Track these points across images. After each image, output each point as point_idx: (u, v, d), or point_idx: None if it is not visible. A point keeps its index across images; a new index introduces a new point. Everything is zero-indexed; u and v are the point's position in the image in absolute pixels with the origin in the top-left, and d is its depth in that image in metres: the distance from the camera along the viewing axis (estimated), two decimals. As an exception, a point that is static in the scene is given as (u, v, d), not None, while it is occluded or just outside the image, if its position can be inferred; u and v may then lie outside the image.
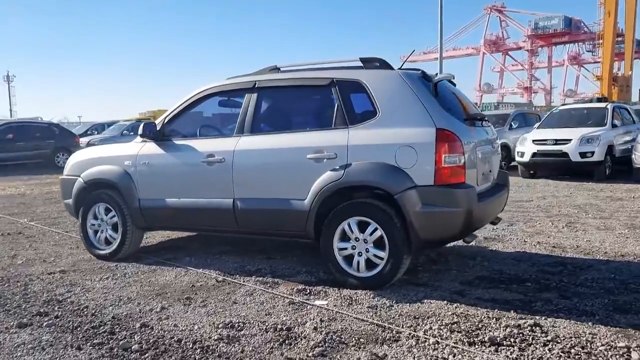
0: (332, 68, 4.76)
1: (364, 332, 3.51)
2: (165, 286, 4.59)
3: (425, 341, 3.33)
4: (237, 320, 3.72)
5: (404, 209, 4.13)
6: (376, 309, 3.92)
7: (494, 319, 3.68)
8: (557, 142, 11.91)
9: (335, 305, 4.00)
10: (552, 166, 12.28)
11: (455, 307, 3.91)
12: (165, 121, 5.29)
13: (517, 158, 12.59)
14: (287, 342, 3.37)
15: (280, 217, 4.63)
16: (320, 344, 3.31)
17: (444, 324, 3.57)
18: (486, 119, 5.05)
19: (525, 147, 12.32)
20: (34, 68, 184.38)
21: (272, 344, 3.34)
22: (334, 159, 4.37)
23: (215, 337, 3.43)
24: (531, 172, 12.67)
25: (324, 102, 4.69)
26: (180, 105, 5.29)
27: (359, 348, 3.27)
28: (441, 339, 3.36)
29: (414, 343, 3.32)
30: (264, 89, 4.92)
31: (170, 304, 4.13)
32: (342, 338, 3.41)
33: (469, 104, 5.08)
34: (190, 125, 5.36)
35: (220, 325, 3.63)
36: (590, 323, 3.59)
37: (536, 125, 13.46)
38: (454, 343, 3.29)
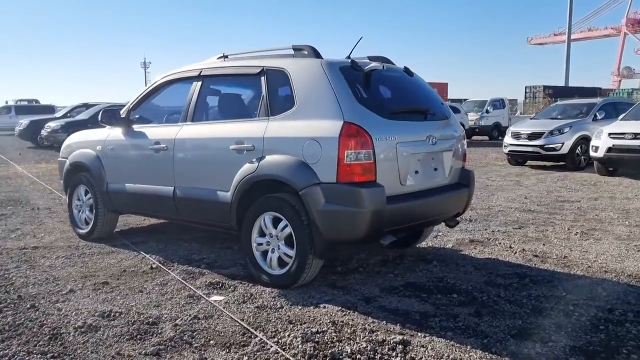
0: (268, 56, 4.60)
1: (223, 333, 3.38)
2: (101, 269, 4.74)
3: (268, 349, 3.14)
4: (119, 310, 3.75)
5: (307, 206, 3.91)
6: (263, 309, 3.76)
7: (368, 331, 3.37)
8: (636, 136, 10.54)
9: (227, 302, 3.90)
10: (630, 163, 10.88)
11: (343, 315, 3.63)
12: (130, 108, 5.44)
13: (592, 153, 11.34)
14: (137, 337, 3.33)
15: (210, 207, 4.58)
16: (164, 342, 3.24)
17: (310, 332, 3.34)
18: (431, 112, 4.54)
19: (601, 141, 11.05)
20: (168, 55, 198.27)
21: (120, 338, 3.31)
22: (252, 151, 4.23)
23: (77, 325, 3.48)
24: (609, 169, 11.35)
25: (254, 92, 4.55)
26: (142, 92, 5.40)
27: (198, 350, 3.16)
28: (286, 348, 3.14)
29: (254, 350, 3.14)
30: (206, 77, 4.87)
31: (83, 287, 4.26)
32: (193, 337, 3.32)
33: (423, 96, 4.65)
34: (150, 113, 5.46)
35: (97, 314, 3.67)
36: (468, 347, 3.18)
37: (620, 116, 11.99)
38: (293, 355, 3.06)
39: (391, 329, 3.41)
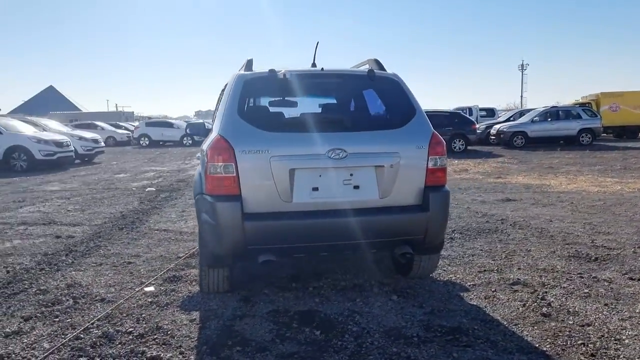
0: None
1: (79, 316, 3.95)
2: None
3: (68, 335, 3.59)
4: (111, 283, 4.71)
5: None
6: (150, 305, 4.12)
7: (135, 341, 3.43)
8: None
9: (146, 293, 4.40)
10: None
11: (172, 323, 3.72)
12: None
13: None
14: (47, 304, 4.22)
15: None
16: (42, 310, 4.05)
17: (122, 331, 3.62)
18: (353, 123, 3.89)
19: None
20: (547, 55, 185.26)
21: (36, 298, 4.27)
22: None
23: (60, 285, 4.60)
24: None
25: None
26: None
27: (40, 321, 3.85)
28: (80, 336, 3.53)
29: (75, 335, 3.63)
30: None
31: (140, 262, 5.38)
32: (60, 313, 3.99)
33: (359, 105, 4.13)
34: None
35: (79, 283, 4.73)
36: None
37: None
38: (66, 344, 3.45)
39: (148, 343, 3.38)
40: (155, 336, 3.51)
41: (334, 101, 4.30)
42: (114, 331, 3.59)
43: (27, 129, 17.80)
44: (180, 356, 3.23)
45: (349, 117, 4.07)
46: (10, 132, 16.83)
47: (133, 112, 69.99)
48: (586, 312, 3.80)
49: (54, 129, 20.44)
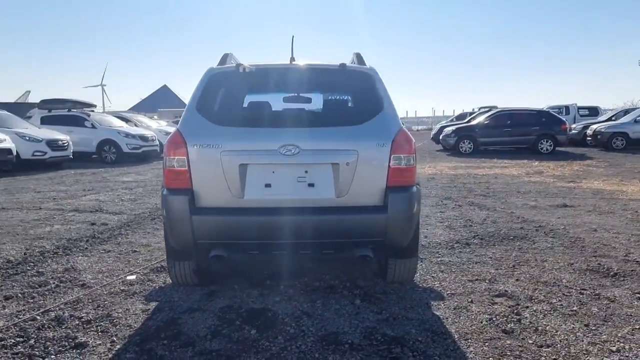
0: None
1: (55, 297, 4.17)
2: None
3: (24, 317, 3.79)
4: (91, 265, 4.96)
5: None
6: (119, 292, 4.26)
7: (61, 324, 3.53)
8: None
9: (124, 281, 4.54)
10: None
11: (121, 310, 3.80)
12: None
13: None
14: (39, 284, 4.49)
15: None
16: (27, 289, 4.31)
17: (67, 316, 3.76)
18: (309, 118, 3.72)
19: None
20: None
21: (28, 279, 4.55)
22: None
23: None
24: None
25: None
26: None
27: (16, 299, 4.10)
28: (45, 314, 3.72)
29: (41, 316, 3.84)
30: None
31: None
32: (35, 295, 4.24)
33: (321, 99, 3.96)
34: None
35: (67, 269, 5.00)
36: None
37: None
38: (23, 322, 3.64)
39: (89, 330, 3.44)
40: (100, 323, 3.60)
41: (301, 96, 4.17)
42: (67, 315, 3.73)
43: (118, 124, 19.07)
44: (108, 344, 3.28)
45: (308, 112, 3.93)
46: (103, 126, 18.10)
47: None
48: (556, 332, 3.40)
49: (145, 125, 21.74)
